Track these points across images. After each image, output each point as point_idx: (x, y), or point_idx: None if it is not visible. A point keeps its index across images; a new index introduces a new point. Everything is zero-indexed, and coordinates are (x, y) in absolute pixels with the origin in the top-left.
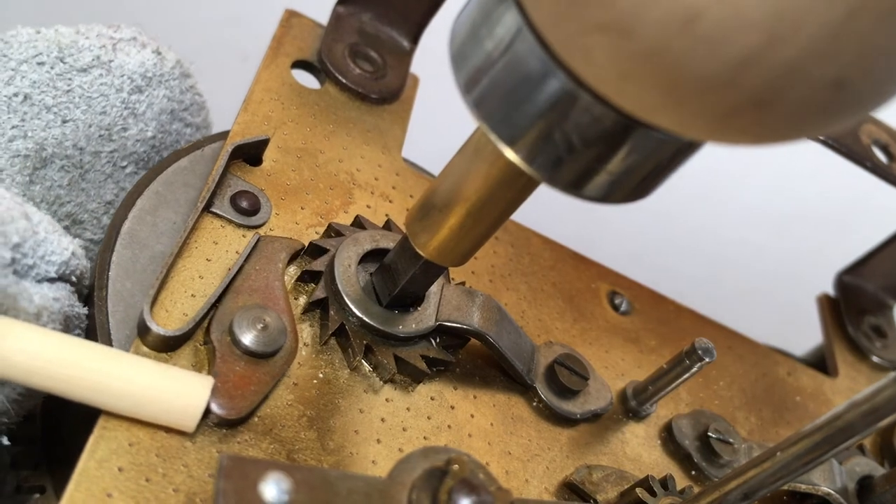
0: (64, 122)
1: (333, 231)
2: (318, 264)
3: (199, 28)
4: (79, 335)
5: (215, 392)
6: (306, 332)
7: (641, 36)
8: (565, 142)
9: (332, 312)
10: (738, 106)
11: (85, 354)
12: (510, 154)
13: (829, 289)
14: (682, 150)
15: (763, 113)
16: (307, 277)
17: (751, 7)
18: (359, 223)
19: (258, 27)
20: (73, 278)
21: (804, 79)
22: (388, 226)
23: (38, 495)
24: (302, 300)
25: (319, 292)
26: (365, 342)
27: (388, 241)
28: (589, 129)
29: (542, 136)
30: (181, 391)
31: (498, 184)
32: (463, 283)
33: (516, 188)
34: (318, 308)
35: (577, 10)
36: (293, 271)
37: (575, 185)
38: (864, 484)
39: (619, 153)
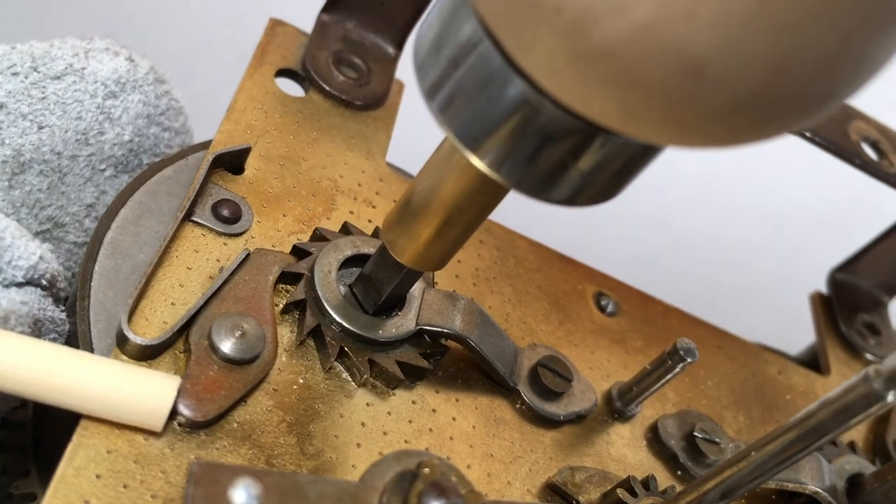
0: (40, 128)
1: (319, 235)
2: (300, 266)
3: (199, 28)
4: (55, 339)
5: (183, 393)
6: (286, 337)
7: (595, 39)
8: (528, 148)
9: (308, 314)
10: (662, 96)
11: (52, 357)
12: (475, 161)
13: (823, 287)
14: (645, 153)
15: (683, 106)
16: (288, 279)
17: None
18: (346, 229)
19: (257, 27)
20: (44, 282)
21: (724, 73)
22: (377, 234)
23: (30, 503)
24: (281, 303)
25: (298, 294)
26: (340, 345)
27: (369, 247)
28: (552, 136)
29: (506, 143)
30: (148, 392)
31: (469, 189)
32: (435, 284)
33: (487, 193)
34: (296, 309)
35: (531, 16)
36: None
37: (541, 190)
38: (854, 482)
39: (582, 158)
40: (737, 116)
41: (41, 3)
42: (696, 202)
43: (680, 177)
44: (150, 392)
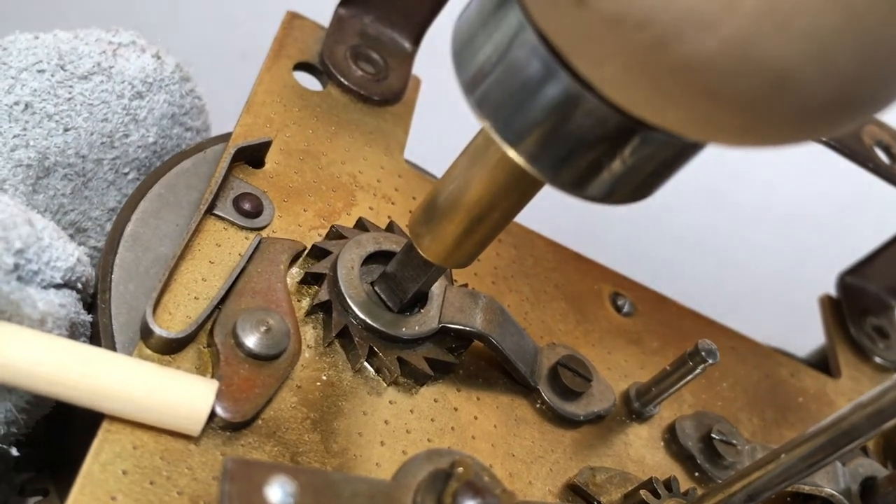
0: (66, 130)
1: (336, 233)
2: (321, 266)
3: (198, 27)
4: (84, 342)
5: (220, 395)
6: (309, 334)
7: (679, 55)
8: (568, 142)
9: (335, 315)
10: (745, 106)
11: (89, 360)
12: (513, 154)
13: (832, 290)
14: (684, 151)
15: (763, 115)
16: (310, 279)
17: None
18: (361, 225)
19: (257, 26)
20: (79, 285)
21: (807, 83)
22: (391, 228)
23: (40, 497)
24: (305, 302)
25: (323, 295)
26: (369, 344)
27: (391, 244)
28: (592, 130)
29: (546, 137)
30: (186, 395)
31: (502, 185)
32: (466, 285)
33: (520, 189)
34: (321, 311)
35: (607, 33)
36: (296, 273)
37: (577, 186)
38: (868, 485)
39: (621, 154)
40: (810, 122)
41: (43, 4)
42: (704, 203)
43: (689, 178)
44: (189, 396)
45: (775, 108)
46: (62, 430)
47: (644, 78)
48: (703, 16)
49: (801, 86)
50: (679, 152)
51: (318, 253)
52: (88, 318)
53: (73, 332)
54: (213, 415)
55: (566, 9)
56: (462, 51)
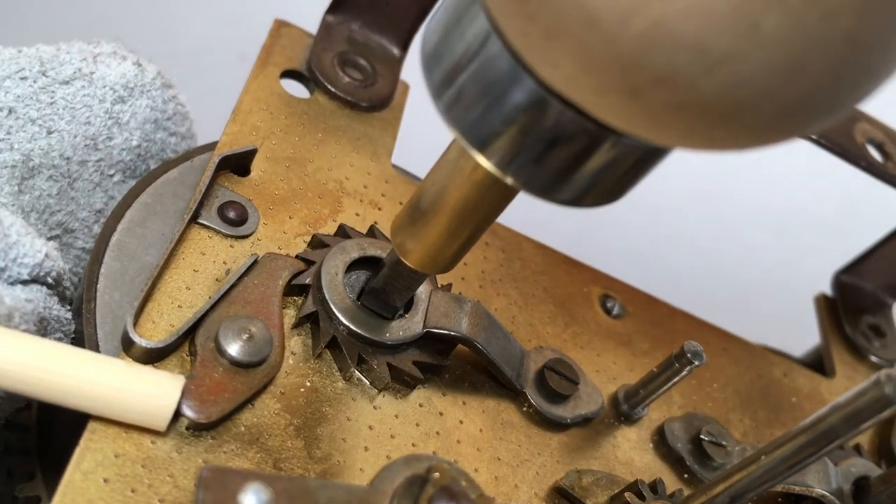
0: (49, 133)
1: (318, 242)
2: (305, 277)
3: (198, 28)
4: (60, 338)
5: (187, 394)
6: (294, 340)
7: (603, 41)
8: (536, 148)
9: (322, 325)
10: (719, 119)
11: (55, 356)
12: (482, 160)
13: (827, 288)
14: (653, 155)
15: (742, 126)
16: (295, 290)
17: (718, 14)
18: (343, 232)
19: (256, 27)
20: (49, 280)
21: (764, 89)
22: (373, 232)
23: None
24: (290, 313)
25: (309, 306)
26: (357, 352)
27: (375, 249)
28: (559, 135)
29: (514, 143)
30: (152, 392)
31: (478, 190)
32: (449, 286)
33: (496, 193)
34: (308, 322)
35: (541, 12)
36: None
37: (548, 190)
38: (860, 485)
39: (589, 159)
40: (776, 125)
41: (41, 4)
42: (697, 203)
43: (681, 178)
44: (155, 391)
45: (751, 120)
46: (53, 436)
47: (598, 78)
48: (625, 6)
49: (784, 97)
50: (648, 155)
51: (303, 263)
52: (65, 312)
53: (44, 328)
54: (179, 413)
55: (520, 17)
56: (430, 56)
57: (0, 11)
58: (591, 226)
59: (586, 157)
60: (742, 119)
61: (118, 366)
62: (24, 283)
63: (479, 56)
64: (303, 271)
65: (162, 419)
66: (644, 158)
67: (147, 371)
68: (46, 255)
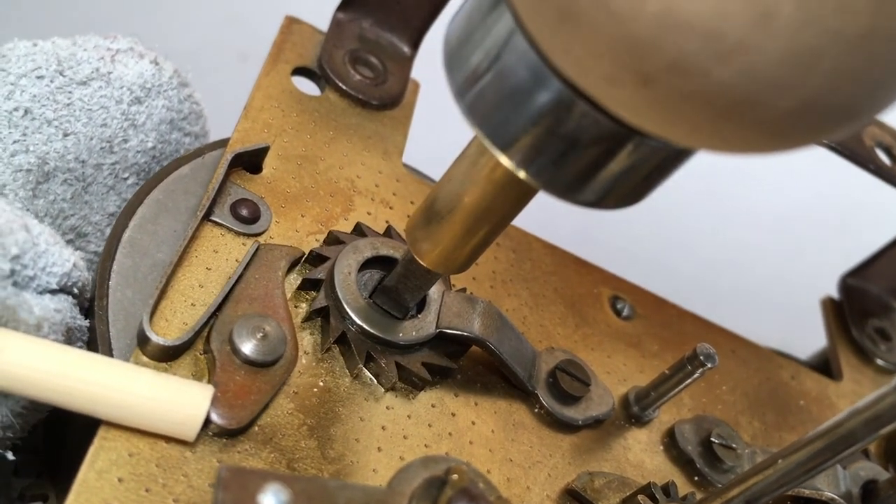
0: (65, 135)
1: (334, 239)
2: (319, 272)
3: (198, 28)
4: (81, 347)
5: (215, 401)
6: (306, 340)
7: (615, 22)
8: (560, 148)
9: (332, 321)
10: (731, 111)
11: (85, 366)
12: (504, 160)
13: (834, 292)
14: (676, 157)
15: (754, 121)
16: (308, 285)
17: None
18: (359, 230)
19: (257, 27)
20: (75, 290)
21: (797, 92)
22: (389, 233)
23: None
24: (303, 308)
25: (320, 300)
26: (366, 350)
27: (388, 248)
28: (583, 136)
29: (537, 143)
30: (181, 401)
31: (496, 190)
32: (464, 290)
33: (515, 194)
34: (318, 316)
35: (569, 11)
36: (293, 279)
37: (569, 191)
38: (869, 488)
39: (613, 160)
40: (808, 128)
41: (43, 4)
42: (705, 205)
43: (690, 180)
44: (184, 401)
45: (764, 115)
46: (61, 434)
47: (610, 63)
48: (694, 22)
49: (797, 92)
50: (671, 158)
51: (316, 259)
52: (85, 322)
53: (70, 337)
54: (208, 421)
55: (553, 17)
56: (453, 55)
57: (2, 10)
58: (600, 227)
59: (609, 159)
60: (753, 113)
61: (147, 375)
62: (53, 292)
63: (503, 55)
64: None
65: (191, 429)
66: (666, 161)
67: (175, 380)
68: (74, 265)
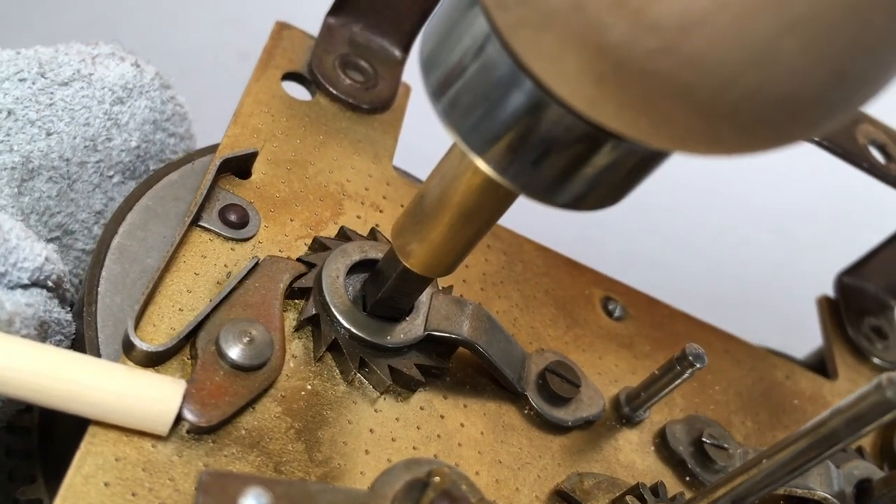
0: (48, 134)
1: (319, 245)
2: (306, 280)
3: (198, 28)
4: (61, 341)
5: (188, 398)
6: (296, 344)
7: (608, 41)
8: (535, 151)
9: (323, 327)
10: (710, 114)
11: (58, 363)
12: (481, 164)
13: (830, 290)
14: (653, 158)
15: (729, 122)
16: (296, 293)
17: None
18: (344, 234)
19: (257, 27)
20: (49, 283)
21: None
22: (374, 235)
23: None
24: (291, 316)
25: (310, 309)
26: (359, 355)
27: (376, 252)
28: (558, 139)
29: (513, 146)
30: (153, 396)
31: (477, 193)
32: (451, 288)
33: (495, 196)
34: (309, 325)
35: (543, 13)
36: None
37: (547, 194)
38: (863, 487)
39: (588, 162)
40: (782, 125)
41: (41, 4)
42: (698, 204)
43: (683, 178)
44: (156, 396)
45: (735, 113)
46: (55, 440)
47: (598, 82)
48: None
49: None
50: (647, 159)
51: (304, 266)
52: (66, 315)
53: (45, 331)
54: (180, 417)
55: (524, 20)
56: (429, 59)
57: (2, 11)
58: (592, 228)
59: (585, 161)
60: (706, 102)
61: (119, 371)
62: (25, 287)
63: (477, 59)
64: (304, 274)
65: (163, 424)
66: (643, 162)
67: (148, 375)
68: (46, 259)
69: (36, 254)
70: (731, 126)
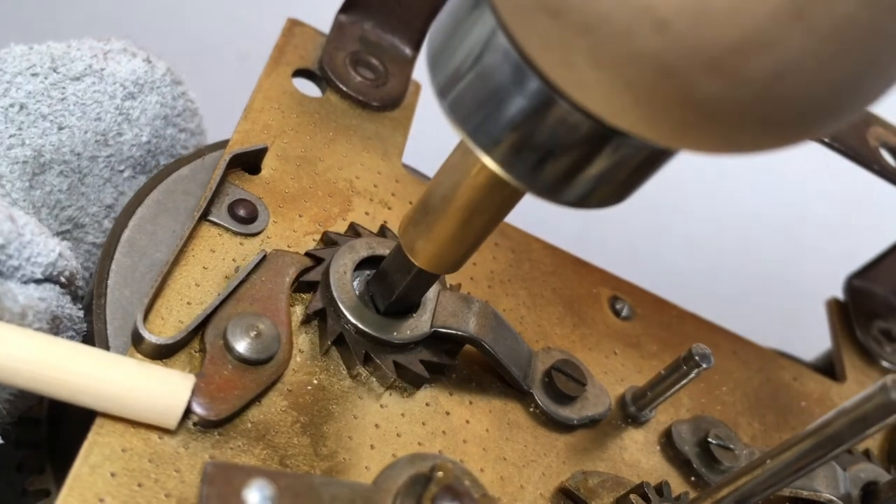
0: (60, 128)
1: (329, 240)
2: (314, 274)
3: (199, 28)
4: (72, 336)
5: (197, 391)
6: (302, 338)
7: (615, 40)
8: (542, 148)
9: (329, 321)
10: (720, 113)
11: (68, 355)
12: (487, 160)
13: (839, 293)
14: (659, 156)
15: (744, 121)
16: (304, 287)
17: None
18: (354, 230)
19: (257, 27)
20: (62, 279)
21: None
22: (383, 232)
23: (44, 499)
24: (298, 309)
25: (316, 302)
26: (364, 350)
27: (384, 248)
28: (565, 136)
29: (519, 143)
30: (163, 390)
31: (483, 190)
32: (458, 286)
33: (501, 194)
34: (316, 318)
35: (551, 11)
36: (288, 280)
37: (553, 191)
38: (869, 490)
39: (595, 160)
40: (793, 126)
41: (44, 4)
42: (707, 204)
43: (691, 179)
44: (165, 390)
45: (742, 113)
46: (63, 430)
47: (613, 82)
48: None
49: (775, 90)
50: (653, 157)
51: (312, 260)
52: (78, 311)
53: (56, 325)
54: (189, 411)
55: (536, 17)
56: (436, 55)
57: (3, 11)
58: (600, 227)
59: (590, 159)
60: (724, 110)
61: (129, 364)
62: (38, 282)
63: (484, 55)
64: (311, 268)
65: (173, 417)
66: (649, 160)
67: (157, 369)
68: (60, 255)
69: (50, 249)
70: (752, 129)
